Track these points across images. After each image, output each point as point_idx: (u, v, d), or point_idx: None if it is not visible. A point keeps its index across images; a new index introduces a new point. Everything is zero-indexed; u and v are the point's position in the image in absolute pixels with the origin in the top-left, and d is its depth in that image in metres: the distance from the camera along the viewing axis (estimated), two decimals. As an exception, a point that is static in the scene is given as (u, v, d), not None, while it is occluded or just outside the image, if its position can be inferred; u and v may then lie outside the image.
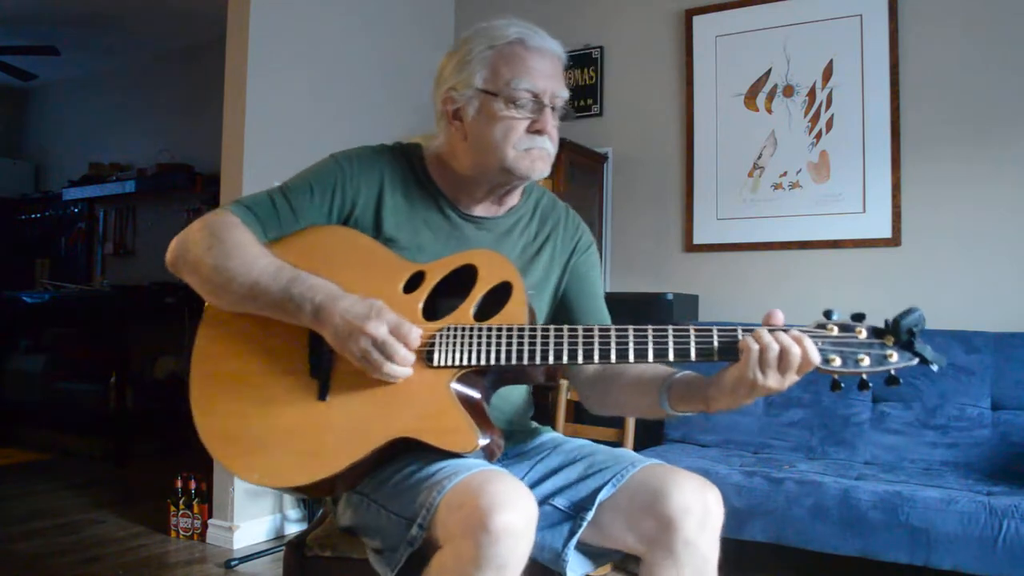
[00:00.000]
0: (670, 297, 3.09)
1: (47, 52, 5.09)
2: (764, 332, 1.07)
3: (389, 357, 1.13)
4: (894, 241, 3.08)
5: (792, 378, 1.07)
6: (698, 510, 1.12)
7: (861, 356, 1.07)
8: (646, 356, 1.12)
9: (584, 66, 3.79)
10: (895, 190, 3.09)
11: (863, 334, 1.08)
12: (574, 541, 1.19)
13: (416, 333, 1.14)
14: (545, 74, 1.27)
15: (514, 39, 1.28)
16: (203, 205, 5.25)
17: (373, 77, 3.55)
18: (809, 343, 1.06)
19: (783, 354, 1.06)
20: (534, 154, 1.27)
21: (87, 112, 6.39)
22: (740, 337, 1.09)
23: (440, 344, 1.17)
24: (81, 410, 4.85)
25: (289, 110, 3.16)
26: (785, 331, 1.08)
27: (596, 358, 1.13)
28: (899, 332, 1.06)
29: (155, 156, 5.62)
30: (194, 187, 5.29)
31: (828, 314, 1.11)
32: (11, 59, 5.36)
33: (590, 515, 1.19)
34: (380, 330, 1.12)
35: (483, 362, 1.15)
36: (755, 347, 1.06)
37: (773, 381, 1.07)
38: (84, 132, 6.40)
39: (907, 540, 2.16)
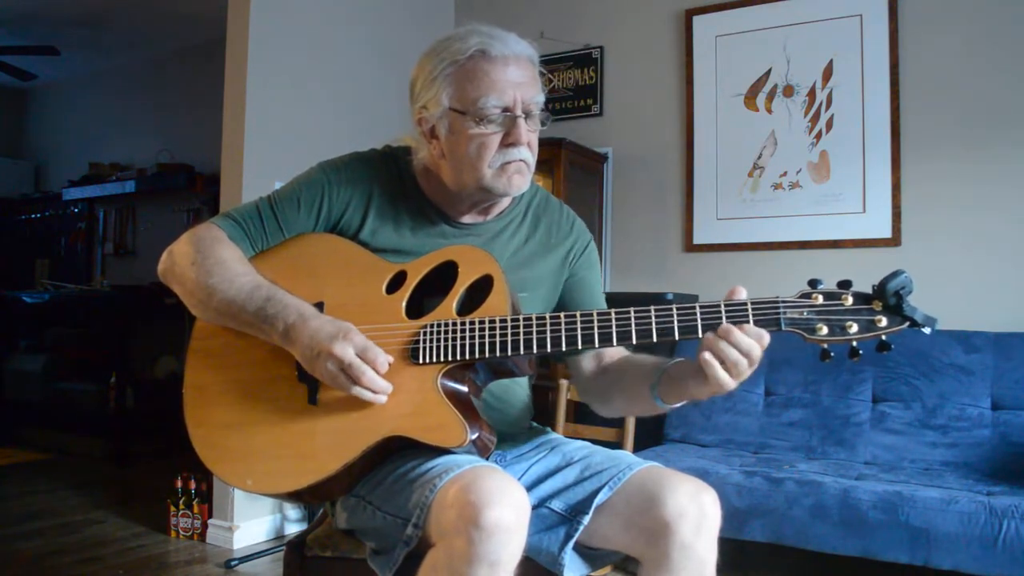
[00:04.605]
0: (670, 297, 3.09)
1: (47, 52, 5.09)
2: (728, 351, 1.07)
3: (356, 380, 1.12)
4: (894, 241, 3.08)
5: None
6: (694, 514, 1.12)
7: (849, 323, 1.06)
8: (629, 338, 1.12)
9: (584, 66, 3.79)
10: (895, 190, 3.09)
11: (849, 301, 1.07)
12: (571, 544, 1.18)
13: (384, 358, 1.14)
14: (513, 83, 1.22)
15: (474, 52, 1.22)
16: (203, 205, 5.27)
17: (372, 77, 3.55)
18: (759, 334, 1.07)
19: (749, 359, 1.07)
20: (510, 169, 1.25)
21: (87, 112, 6.40)
22: (706, 358, 1.09)
23: (424, 341, 1.17)
24: (81, 410, 4.85)
25: (289, 110, 3.16)
26: (743, 311, 1.08)
27: (579, 344, 1.13)
28: (886, 296, 1.04)
29: (155, 156, 5.62)
30: (194, 187, 5.29)
31: (813, 283, 1.09)
32: (11, 59, 5.36)
33: (587, 519, 1.18)
34: (347, 352, 1.12)
35: (467, 356, 1.15)
36: (724, 376, 1.08)
37: (745, 377, 1.10)
38: (84, 132, 6.40)
39: (907, 540, 2.16)
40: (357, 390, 1.13)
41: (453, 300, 1.20)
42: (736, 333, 1.07)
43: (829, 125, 3.23)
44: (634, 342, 1.12)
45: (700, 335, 1.09)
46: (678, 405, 1.24)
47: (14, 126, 6.91)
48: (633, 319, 1.12)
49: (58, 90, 6.61)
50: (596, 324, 1.13)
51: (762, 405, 2.98)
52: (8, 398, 5.30)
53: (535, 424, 1.48)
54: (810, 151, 3.27)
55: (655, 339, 1.11)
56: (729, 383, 1.09)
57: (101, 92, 6.30)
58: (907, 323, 1.05)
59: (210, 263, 1.22)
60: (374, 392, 1.13)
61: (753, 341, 1.07)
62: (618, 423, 2.45)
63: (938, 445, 2.65)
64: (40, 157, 6.81)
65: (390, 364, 1.16)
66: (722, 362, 1.08)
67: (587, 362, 1.39)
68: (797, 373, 2.95)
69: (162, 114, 5.82)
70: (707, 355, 1.08)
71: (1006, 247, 2.91)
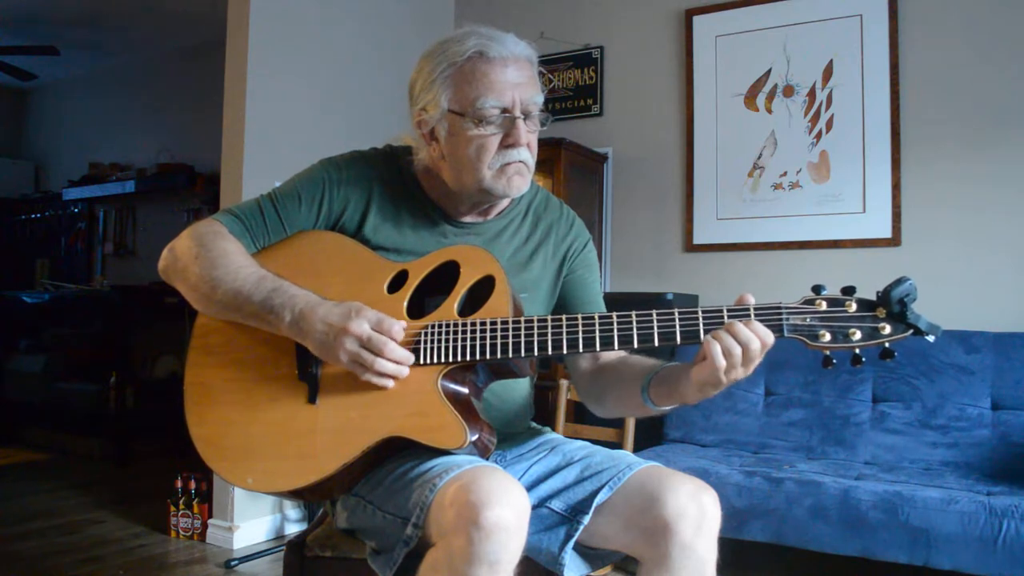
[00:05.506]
0: (670, 297, 3.09)
1: (47, 52, 5.09)
2: (725, 336, 1.07)
3: (378, 352, 1.13)
4: (894, 241, 3.08)
5: (756, 364, 1.09)
6: (694, 514, 1.12)
7: (852, 330, 1.06)
8: (631, 342, 1.12)
9: (584, 66, 3.79)
10: (895, 190, 3.09)
11: (853, 307, 1.06)
12: (571, 544, 1.19)
13: (399, 326, 1.14)
14: (511, 84, 1.22)
15: (472, 53, 1.22)
16: (203, 205, 5.26)
17: (372, 77, 3.55)
18: (765, 332, 1.06)
19: (745, 352, 1.06)
20: (510, 170, 1.25)
21: (87, 112, 6.40)
22: (703, 338, 1.09)
23: (425, 342, 1.17)
24: (81, 410, 4.85)
25: (289, 110, 3.16)
26: (745, 312, 1.08)
27: (580, 347, 1.13)
28: (890, 303, 1.04)
29: (155, 156, 5.62)
30: (194, 187, 5.29)
31: (817, 289, 1.09)
32: (11, 59, 5.36)
33: (587, 519, 1.18)
34: (363, 327, 1.12)
35: (468, 357, 1.15)
36: (720, 360, 1.06)
37: (739, 375, 1.09)
38: (84, 132, 6.40)
39: (907, 540, 2.16)
40: (380, 363, 1.13)
41: (455, 301, 1.20)
42: (736, 325, 1.06)
43: (829, 125, 3.23)
44: (635, 346, 1.12)
45: (702, 340, 1.09)
46: (668, 408, 1.24)
47: (14, 126, 6.91)
48: (635, 323, 1.12)
49: (58, 90, 6.61)
50: (598, 327, 1.13)
51: (762, 405, 2.98)
52: (8, 398, 5.29)
53: (535, 424, 1.48)
54: (810, 151, 3.27)
55: (656, 343, 1.11)
56: (721, 365, 1.07)
57: (101, 92, 6.30)
58: (911, 331, 1.05)
59: (214, 255, 1.22)
60: (396, 364, 1.14)
61: (752, 334, 1.06)
62: (618, 423, 2.45)
63: (938, 445, 2.65)
64: (40, 157, 6.81)
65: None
66: (719, 344, 1.07)
67: (584, 361, 1.39)
68: (797, 373, 2.95)
69: (162, 114, 5.82)
70: (707, 336, 1.08)
71: (1006, 247, 2.91)
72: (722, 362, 1.06)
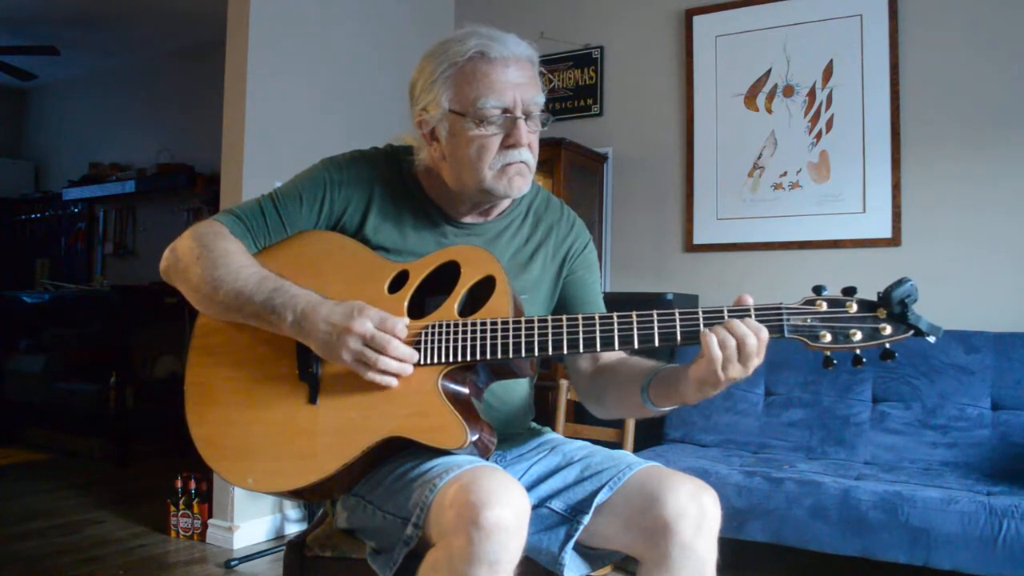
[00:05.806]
0: (670, 297, 3.09)
1: (47, 52, 5.09)
2: (720, 329, 1.07)
3: (382, 350, 1.13)
4: (894, 241, 3.08)
5: (755, 363, 1.08)
6: (694, 514, 1.12)
7: (853, 331, 1.06)
8: (631, 342, 1.12)
9: (584, 66, 3.79)
10: (895, 190, 3.09)
11: (854, 308, 1.06)
12: (571, 544, 1.19)
13: (402, 324, 1.15)
14: (512, 84, 1.22)
15: (473, 53, 1.22)
16: (203, 205, 5.27)
17: (372, 77, 3.55)
18: (758, 326, 1.07)
19: (741, 347, 1.07)
20: (511, 171, 1.25)
21: (87, 112, 6.40)
22: (703, 330, 1.09)
23: (425, 342, 1.17)
24: (81, 410, 4.85)
25: (289, 110, 3.16)
26: (746, 312, 1.08)
27: (581, 347, 1.13)
28: (891, 304, 1.04)
29: (155, 156, 5.63)
30: (194, 187, 5.30)
31: (818, 290, 1.09)
32: (11, 59, 5.36)
33: (587, 519, 1.18)
34: (366, 326, 1.13)
35: (468, 358, 1.15)
36: (716, 351, 1.07)
37: (737, 373, 1.08)
38: (84, 132, 6.40)
39: (907, 540, 2.16)
40: (384, 361, 1.13)
41: (455, 301, 1.20)
42: (733, 321, 1.07)
43: (829, 125, 3.23)
44: (636, 346, 1.12)
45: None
46: (668, 409, 1.24)
47: (14, 126, 6.92)
48: (635, 323, 1.12)
49: (58, 90, 6.61)
50: (598, 328, 1.13)
51: (762, 405, 2.98)
52: (8, 398, 5.30)
53: (535, 424, 1.48)
54: (810, 151, 3.27)
55: (657, 343, 1.11)
56: (717, 356, 1.07)
57: (101, 92, 6.30)
58: (912, 332, 1.05)
59: (215, 255, 1.22)
60: (400, 362, 1.14)
61: (747, 329, 1.06)
62: (618, 423, 2.45)
63: (938, 445, 2.65)
64: (40, 157, 6.81)
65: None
66: (715, 336, 1.08)
67: (584, 362, 1.39)
68: (797, 373, 2.95)
69: (162, 114, 5.82)
70: (704, 329, 1.09)
71: (1006, 247, 2.91)
72: (718, 353, 1.06)
